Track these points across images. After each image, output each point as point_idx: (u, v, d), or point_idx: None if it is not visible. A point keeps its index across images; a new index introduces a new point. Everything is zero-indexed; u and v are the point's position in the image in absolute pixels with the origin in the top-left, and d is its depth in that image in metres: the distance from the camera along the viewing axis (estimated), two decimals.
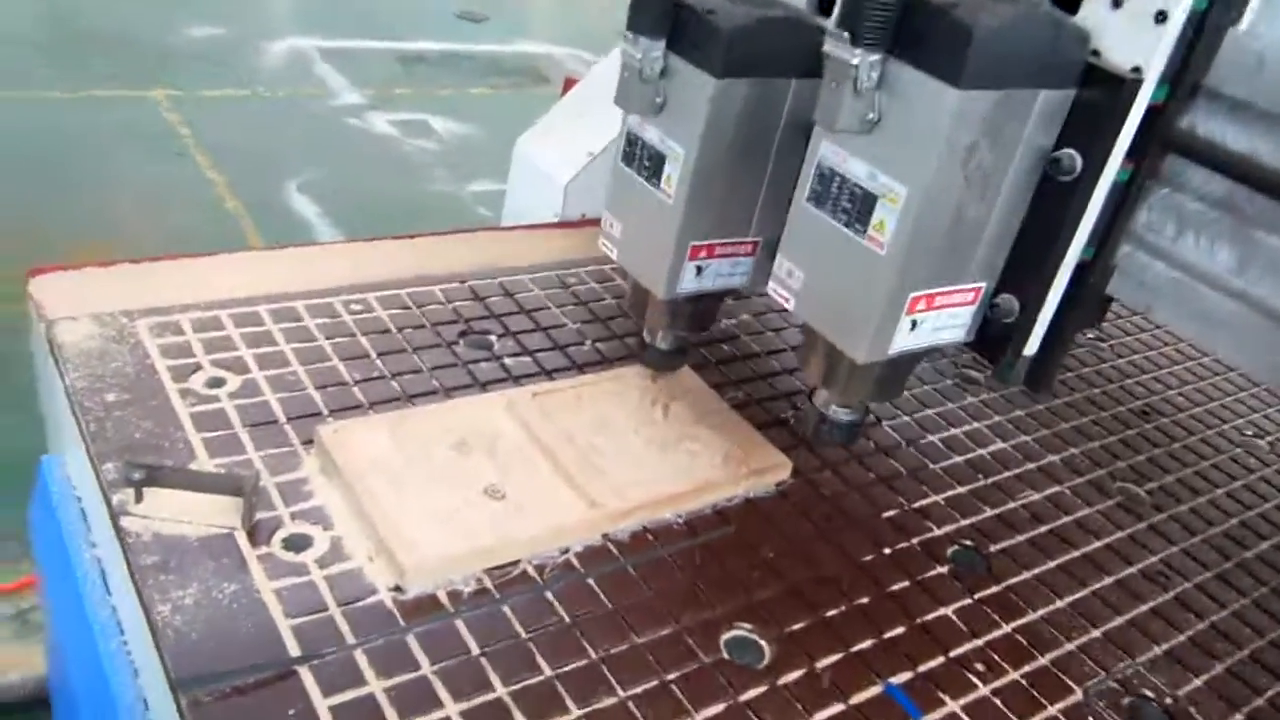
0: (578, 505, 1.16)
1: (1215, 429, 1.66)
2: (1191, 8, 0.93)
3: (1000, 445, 1.49)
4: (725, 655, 1.05)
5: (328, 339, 1.37)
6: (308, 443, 1.18)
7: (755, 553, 1.19)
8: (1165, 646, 1.20)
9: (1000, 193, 1.00)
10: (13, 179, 3.63)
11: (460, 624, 1.01)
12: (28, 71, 4.45)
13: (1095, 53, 0.98)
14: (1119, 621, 1.22)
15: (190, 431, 1.17)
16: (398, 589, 1.03)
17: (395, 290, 1.50)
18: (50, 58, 4.60)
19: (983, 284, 1.07)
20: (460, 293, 1.54)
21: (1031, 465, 1.46)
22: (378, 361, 1.35)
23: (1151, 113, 0.98)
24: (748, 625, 1.09)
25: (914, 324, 1.04)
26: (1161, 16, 0.94)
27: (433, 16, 6.38)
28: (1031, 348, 1.10)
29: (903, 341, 1.05)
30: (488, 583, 1.06)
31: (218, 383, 1.25)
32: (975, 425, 1.52)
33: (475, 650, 0.99)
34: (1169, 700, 1.12)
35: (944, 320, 1.07)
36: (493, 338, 1.46)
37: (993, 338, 1.10)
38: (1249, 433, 1.67)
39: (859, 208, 0.99)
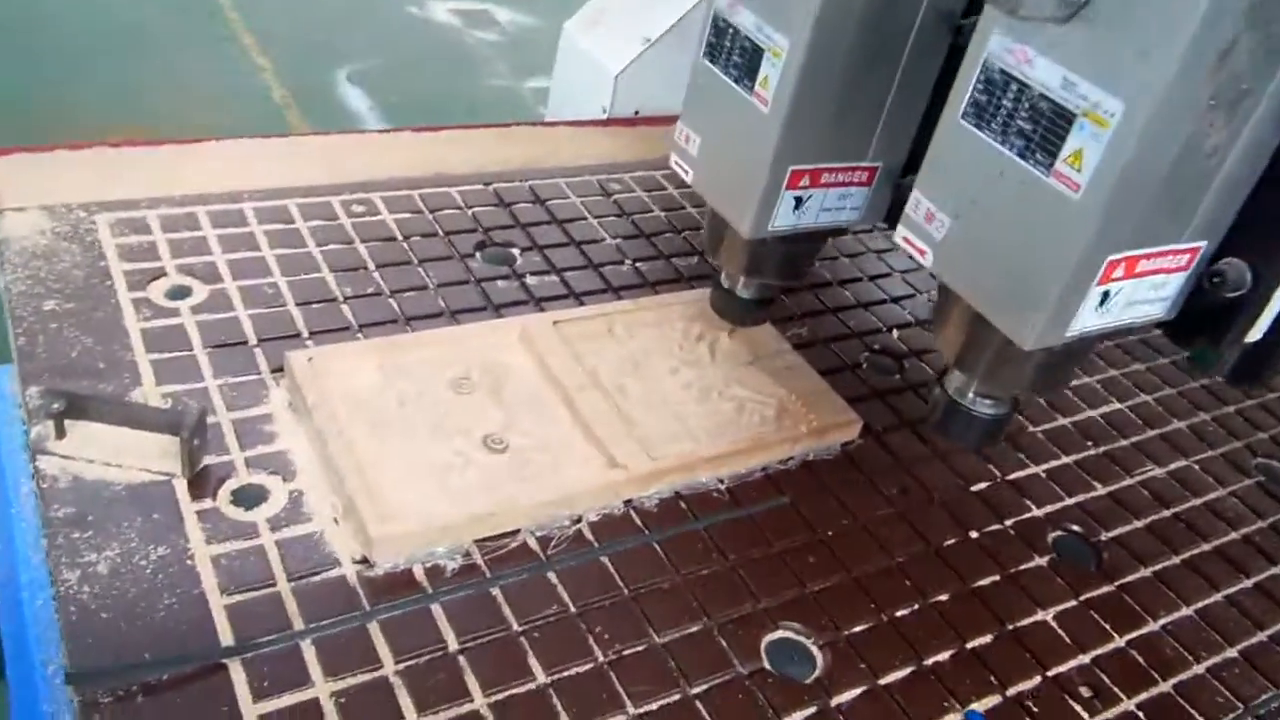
0: (596, 462, 0.95)
1: None
2: None
3: (1115, 406, 1.24)
4: (766, 664, 0.84)
5: (319, 245, 1.16)
6: (278, 370, 0.99)
7: (812, 531, 0.97)
8: None
9: (1251, 118, 0.68)
10: (48, 57, 3.47)
11: (438, 610, 0.82)
12: None
13: None
14: (1260, 638, 0.99)
15: (139, 351, 0.98)
16: (365, 561, 0.84)
17: (407, 191, 1.29)
18: None
19: (1203, 244, 0.76)
20: (482, 196, 1.32)
21: (1153, 432, 1.21)
22: (375, 275, 1.14)
23: None
24: (796, 625, 0.88)
25: (1105, 297, 0.74)
26: None
27: None
28: (1258, 331, 0.78)
29: (1086, 321, 0.75)
30: (477, 557, 0.86)
31: (181, 293, 1.06)
32: (1086, 380, 1.27)
33: (454, 645, 0.79)
34: None
35: (1143, 292, 0.76)
36: (515, 251, 1.24)
37: (1205, 315, 0.79)
38: None
39: (1045, 130, 0.69)
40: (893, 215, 0.90)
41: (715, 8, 0.90)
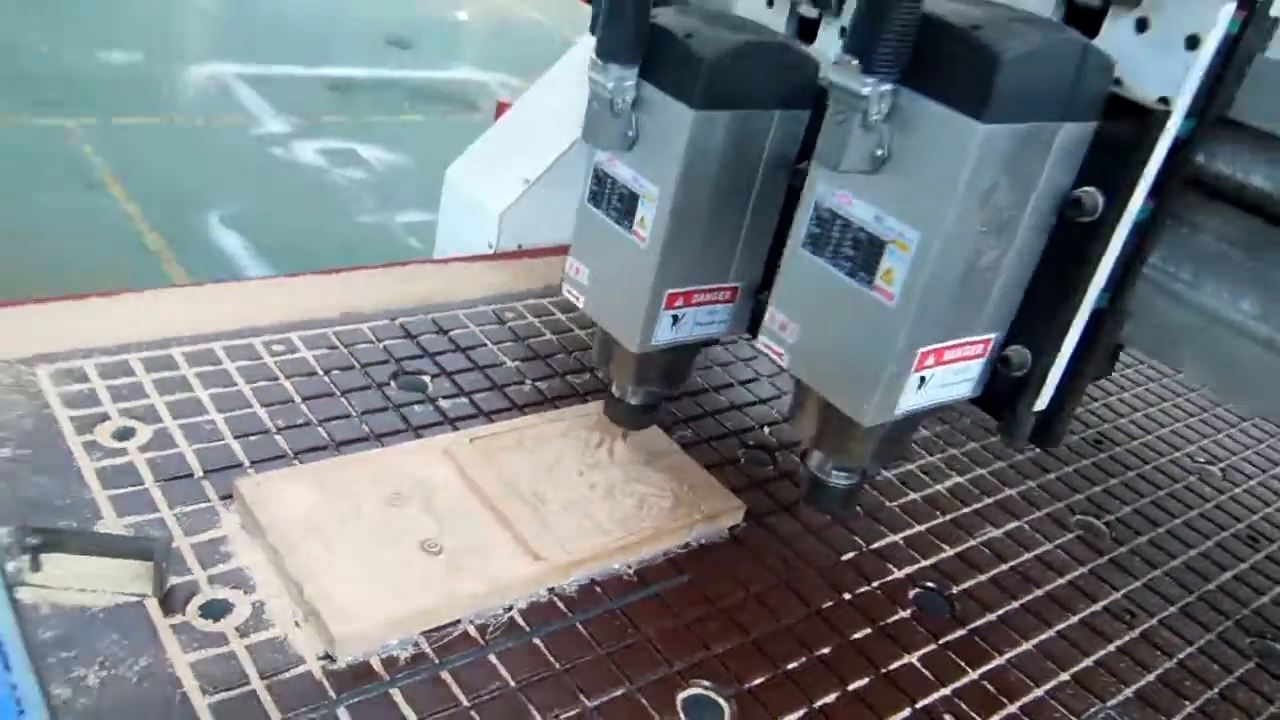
0: (521, 559, 1.09)
1: (1168, 456, 1.64)
2: (1225, 31, 0.84)
3: (956, 480, 1.45)
4: (683, 717, 0.98)
5: (248, 383, 1.28)
6: (227, 498, 1.09)
7: (711, 603, 1.12)
8: (1135, 688, 1.15)
9: (1017, 236, 0.90)
10: None
11: (397, 694, 0.93)
12: None
13: (1118, 81, 0.88)
14: (1086, 663, 1.18)
15: (95, 489, 1.07)
16: (327, 657, 0.94)
17: (321, 329, 1.42)
18: None
19: (994, 335, 0.97)
20: (390, 331, 1.46)
21: (989, 500, 1.42)
22: (303, 407, 1.26)
23: (1176, 147, 0.88)
24: (705, 682, 1.02)
25: (922, 381, 0.93)
26: (1193, 42, 0.85)
27: (360, 41, 6.28)
28: (1042, 402, 0.99)
29: (910, 401, 0.94)
30: (425, 646, 0.98)
31: (126, 434, 1.15)
32: (929, 459, 1.48)
33: None
34: None
35: (952, 376, 0.96)
36: (426, 378, 1.38)
37: (1002, 392, 1.00)
38: (1201, 459, 1.66)
39: (864, 255, 0.89)
40: (754, 326, 1.08)
41: (595, 161, 1.08)
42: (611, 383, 1.21)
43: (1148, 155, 0.86)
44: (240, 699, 0.89)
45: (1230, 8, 0.81)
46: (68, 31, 5.23)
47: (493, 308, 1.58)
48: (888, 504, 1.36)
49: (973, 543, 1.33)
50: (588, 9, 1.16)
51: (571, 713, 0.95)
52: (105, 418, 1.17)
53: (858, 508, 1.33)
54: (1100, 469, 1.56)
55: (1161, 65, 0.85)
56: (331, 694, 0.91)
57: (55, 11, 5.44)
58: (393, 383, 1.35)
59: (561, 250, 1.82)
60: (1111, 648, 1.21)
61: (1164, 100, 0.85)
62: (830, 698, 1.04)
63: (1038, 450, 1.56)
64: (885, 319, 0.88)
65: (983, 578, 1.27)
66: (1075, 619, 1.24)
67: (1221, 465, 1.65)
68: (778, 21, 1.12)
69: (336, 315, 1.47)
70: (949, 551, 1.30)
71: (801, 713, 1.02)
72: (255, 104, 5.01)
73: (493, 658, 0.99)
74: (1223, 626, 1.29)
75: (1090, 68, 0.84)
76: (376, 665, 0.95)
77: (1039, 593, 1.27)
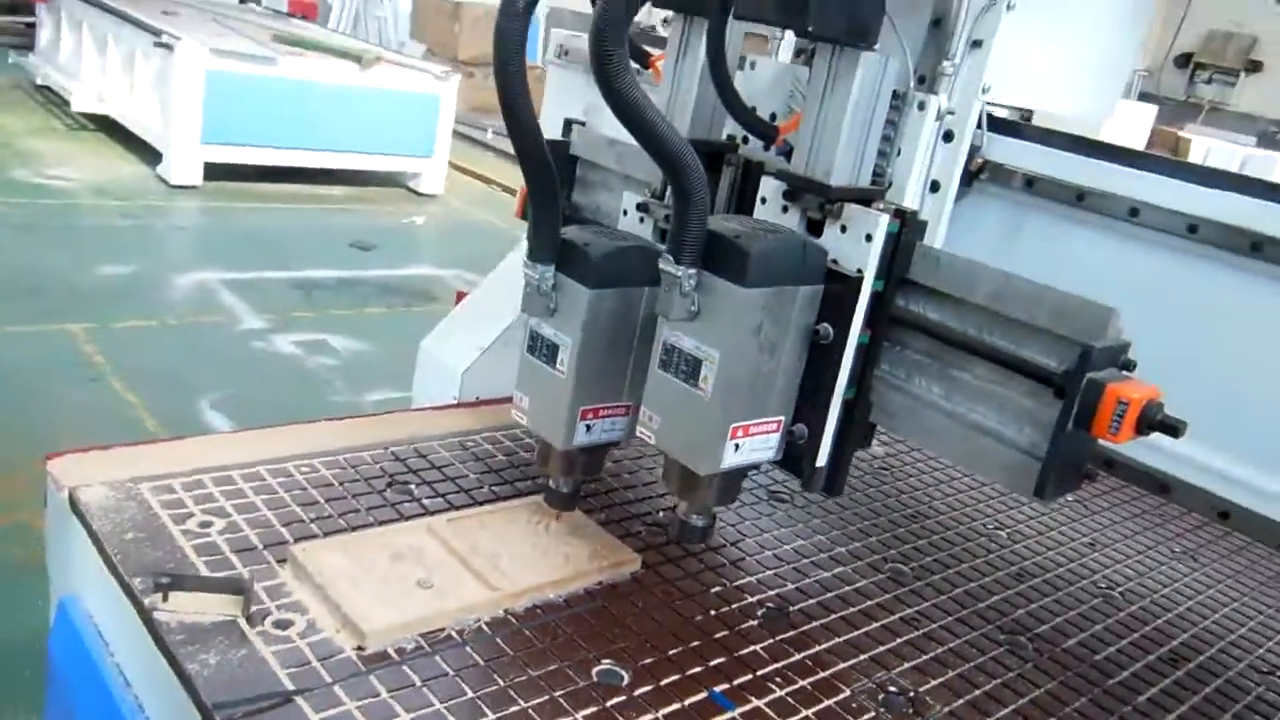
0: (485, 590, 1.60)
1: (967, 525, 2.20)
2: (887, 231, 1.49)
3: (802, 542, 1.99)
4: (595, 679, 1.48)
5: (286, 492, 1.80)
6: (281, 561, 1.60)
7: (616, 618, 1.63)
8: (913, 663, 1.67)
9: (784, 354, 1.50)
10: None
11: (406, 668, 1.43)
12: None
13: (834, 261, 1.51)
14: (880, 650, 1.70)
15: (193, 557, 1.58)
16: (360, 648, 1.44)
17: (335, 456, 1.95)
18: None
19: (782, 417, 1.56)
20: (385, 457, 2.00)
21: (824, 555, 1.96)
22: (326, 505, 1.79)
23: (875, 297, 1.51)
24: (611, 661, 1.53)
25: (736, 447, 1.53)
26: (869, 238, 1.49)
27: (327, 248, 6.98)
28: (821, 461, 1.59)
29: (731, 459, 1.53)
30: (423, 643, 1.49)
31: (207, 524, 1.67)
32: (783, 530, 2.02)
33: (418, 683, 1.40)
34: (911, 693, 1.59)
35: (758, 444, 1.55)
36: (412, 487, 1.91)
37: (794, 456, 1.60)
38: (992, 527, 2.21)
39: (691, 368, 1.48)
40: None
41: (530, 324, 1.66)
42: (548, 477, 1.75)
43: (854, 303, 1.47)
44: (306, 671, 1.38)
45: (886, 218, 1.43)
46: (71, 252, 5.86)
47: (460, 439, 2.12)
48: (749, 557, 1.89)
49: (809, 580, 1.86)
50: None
51: (522, 678, 1.46)
52: (192, 515, 1.68)
53: (725, 561, 1.86)
54: (913, 534, 2.11)
55: (855, 251, 1.48)
56: (363, 669, 1.41)
57: (58, 236, 6.10)
58: (388, 490, 1.88)
59: (507, 400, 2.39)
60: (899, 641, 1.73)
61: (859, 271, 1.47)
62: (697, 669, 1.55)
63: (866, 522, 2.12)
64: (705, 407, 1.46)
65: (813, 601, 1.79)
66: (877, 625, 1.77)
67: (1008, 531, 2.21)
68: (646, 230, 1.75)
69: (345, 446, 2.00)
70: (790, 585, 1.83)
71: (676, 677, 1.52)
72: (237, 305, 5.62)
73: (469, 649, 1.49)
74: (986, 628, 1.82)
75: (810, 254, 1.46)
76: (392, 653, 1.45)
77: (853, 610, 1.80)
